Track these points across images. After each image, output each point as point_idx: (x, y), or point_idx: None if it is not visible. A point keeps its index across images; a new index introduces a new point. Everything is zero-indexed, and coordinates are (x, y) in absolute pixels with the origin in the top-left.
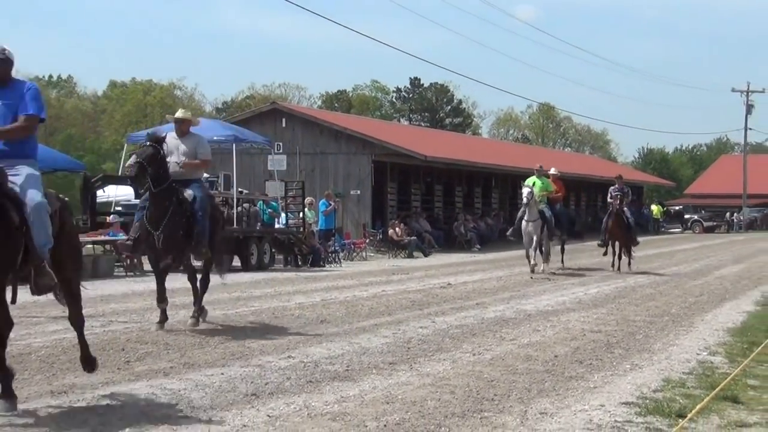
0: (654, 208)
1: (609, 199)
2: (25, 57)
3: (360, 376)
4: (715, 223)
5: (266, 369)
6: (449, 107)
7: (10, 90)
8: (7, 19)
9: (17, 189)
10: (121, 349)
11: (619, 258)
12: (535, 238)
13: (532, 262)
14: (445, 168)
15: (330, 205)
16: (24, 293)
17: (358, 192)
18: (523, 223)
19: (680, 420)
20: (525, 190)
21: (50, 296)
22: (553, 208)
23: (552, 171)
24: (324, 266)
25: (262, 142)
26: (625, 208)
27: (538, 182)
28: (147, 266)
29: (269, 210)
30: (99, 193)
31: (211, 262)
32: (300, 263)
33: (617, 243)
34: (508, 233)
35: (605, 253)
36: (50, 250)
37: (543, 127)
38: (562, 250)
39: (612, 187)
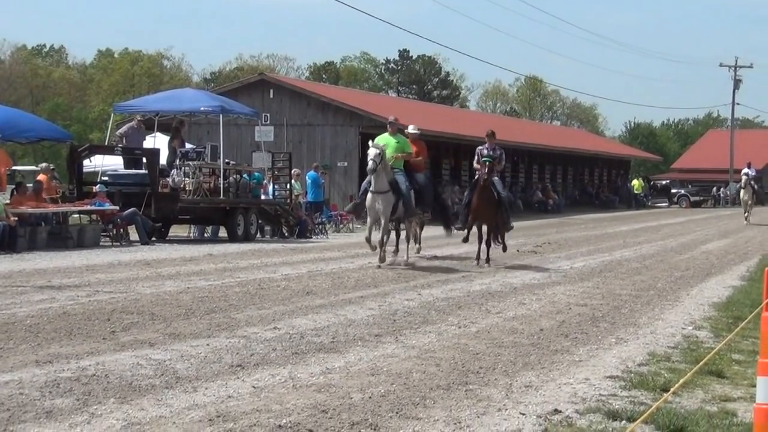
0: (635, 182)
1: (475, 164)
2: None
3: (345, 348)
4: (701, 198)
5: (252, 340)
6: (437, 80)
7: None
8: None
9: None
10: (106, 319)
11: (487, 245)
12: (383, 218)
13: (377, 248)
14: (432, 140)
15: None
16: (9, 262)
17: (345, 164)
18: (369, 195)
19: (664, 394)
20: (372, 152)
21: (36, 265)
22: (414, 177)
23: (410, 129)
24: (310, 238)
25: (249, 114)
26: (496, 179)
27: (392, 141)
28: (134, 236)
29: (253, 181)
30: (85, 162)
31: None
32: (286, 235)
33: (484, 226)
34: (346, 209)
35: (466, 239)
36: None
37: (530, 100)
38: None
39: (480, 148)
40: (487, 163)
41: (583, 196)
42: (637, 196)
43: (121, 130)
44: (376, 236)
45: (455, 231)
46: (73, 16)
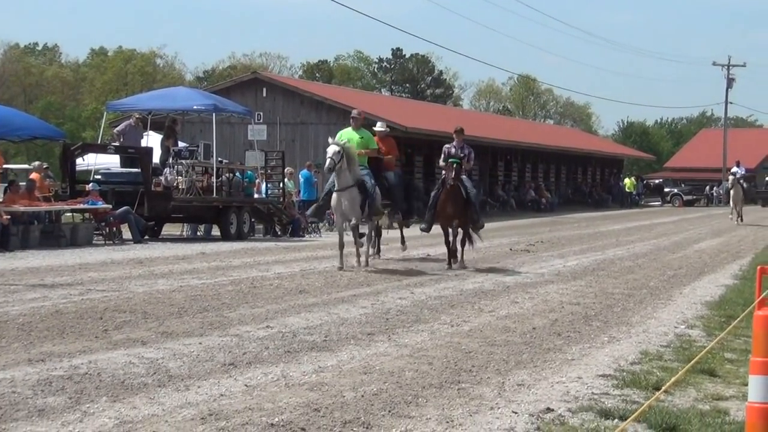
0: (627, 181)
1: (441, 163)
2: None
3: (338, 347)
4: (694, 197)
5: (244, 339)
6: (430, 78)
7: None
8: None
9: None
10: (99, 317)
11: (462, 244)
12: (353, 217)
13: (365, 255)
14: (425, 139)
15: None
16: (1, 261)
17: None
18: (333, 195)
19: (657, 393)
20: (331, 149)
21: (29, 263)
22: (385, 175)
23: (378, 126)
24: (303, 236)
25: (242, 112)
26: (464, 177)
27: (356, 136)
28: (126, 235)
29: (245, 180)
30: (78, 161)
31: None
32: (279, 233)
33: (451, 228)
34: (308, 212)
35: (447, 242)
36: None
37: (524, 99)
38: (377, 235)
39: (447, 146)
40: (455, 165)
41: (576, 195)
42: (630, 194)
43: (118, 128)
44: (344, 239)
45: (421, 232)
46: (66, 15)
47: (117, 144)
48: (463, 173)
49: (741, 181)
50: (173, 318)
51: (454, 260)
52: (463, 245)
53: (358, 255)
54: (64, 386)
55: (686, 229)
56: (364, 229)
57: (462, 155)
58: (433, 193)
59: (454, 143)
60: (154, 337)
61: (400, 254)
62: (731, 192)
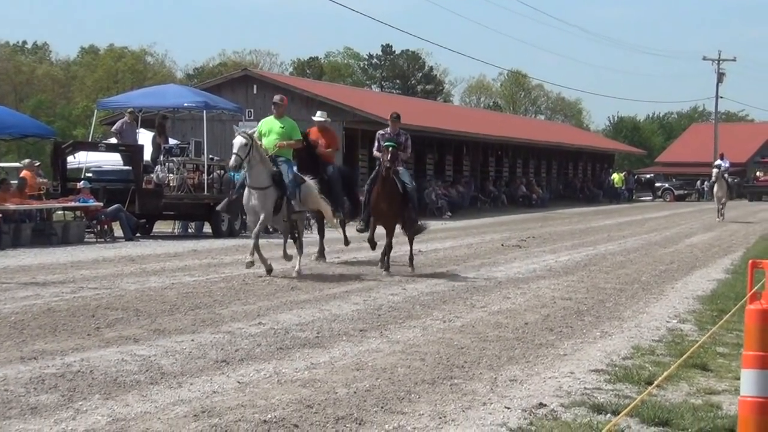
0: (615, 176)
1: (375, 152)
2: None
3: (330, 343)
4: (685, 192)
5: (236, 336)
6: (421, 74)
7: None
8: None
9: None
10: (91, 315)
11: (388, 249)
12: (262, 216)
13: (253, 256)
14: (416, 135)
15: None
16: None
17: None
18: (245, 192)
19: (649, 387)
20: (236, 142)
21: (21, 262)
22: (321, 170)
23: (317, 116)
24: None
25: (233, 109)
26: (401, 169)
27: (276, 125)
28: (118, 232)
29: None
30: (69, 159)
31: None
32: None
33: (391, 225)
34: (218, 207)
35: (372, 243)
36: None
37: (514, 95)
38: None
39: (381, 132)
40: (390, 148)
41: (567, 190)
42: (618, 189)
43: (115, 127)
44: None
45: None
46: (55, 13)
47: (107, 142)
48: (400, 164)
49: (725, 175)
50: (165, 315)
51: (383, 265)
52: (411, 245)
53: (285, 253)
54: (56, 384)
55: (677, 224)
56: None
57: (399, 142)
58: (366, 186)
59: (389, 130)
60: (146, 335)
61: (344, 256)
62: (715, 187)
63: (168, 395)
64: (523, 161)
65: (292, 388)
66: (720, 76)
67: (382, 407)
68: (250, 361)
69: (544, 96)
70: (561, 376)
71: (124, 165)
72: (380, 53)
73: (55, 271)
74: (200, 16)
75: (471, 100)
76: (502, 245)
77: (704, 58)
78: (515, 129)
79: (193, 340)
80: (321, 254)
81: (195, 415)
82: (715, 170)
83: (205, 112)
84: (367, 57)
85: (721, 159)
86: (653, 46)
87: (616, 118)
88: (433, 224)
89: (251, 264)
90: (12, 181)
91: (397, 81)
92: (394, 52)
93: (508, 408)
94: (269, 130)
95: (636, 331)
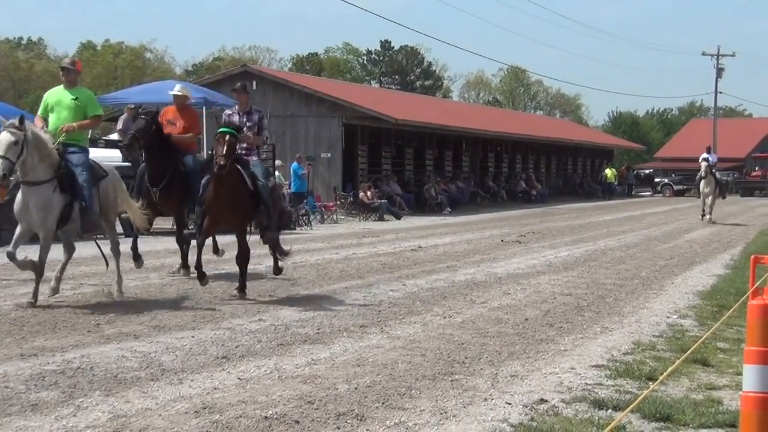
0: (608, 171)
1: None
2: None
3: (331, 339)
4: (685, 187)
5: (237, 332)
6: (419, 70)
7: None
8: None
9: None
10: (91, 311)
11: (273, 254)
12: (42, 232)
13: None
14: (415, 131)
15: (305, 168)
16: None
17: (329, 155)
18: (18, 194)
19: (650, 383)
20: (4, 138)
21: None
22: (178, 161)
23: (176, 90)
24: (294, 229)
25: (232, 105)
26: (253, 159)
27: (67, 98)
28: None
29: None
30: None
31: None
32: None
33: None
34: None
35: (197, 266)
36: None
37: (513, 90)
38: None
39: (227, 112)
40: (227, 137)
41: (566, 185)
42: (611, 185)
43: (121, 126)
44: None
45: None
46: (52, 8)
47: (107, 138)
48: (253, 154)
49: (713, 170)
50: (165, 312)
51: (204, 280)
52: (275, 255)
53: (118, 277)
54: (57, 381)
55: (677, 219)
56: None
57: (248, 124)
58: (203, 182)
59: (236, 108)
60: (146, 331)
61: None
62: (702, 183)
63: (169, 392)
64: (522, 157)
65: (293, 384)
66: (719, 72)
67: (383, 403)
68: (251, 358)
69: (544, 91)
70: (562, 372)
71: (124, 161)
72: (379, 49)
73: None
74: (199, 12)
75: (470, 96)
76: (502, 241)
77: (703, 54)
78: (514, 125)
79: (193, 337)
80: (183, 267)
81: (196, 412)
82: (703, 164)
83: (204, 108)
84: (366, 53)
85: (708, 153)
86: (652, 41)
87: (615, 113)
88: (432, 220)
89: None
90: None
91: (396, 77)
92: (393, 47)
93: (509, 404)
94: (57, 102)
95: (636, 327)
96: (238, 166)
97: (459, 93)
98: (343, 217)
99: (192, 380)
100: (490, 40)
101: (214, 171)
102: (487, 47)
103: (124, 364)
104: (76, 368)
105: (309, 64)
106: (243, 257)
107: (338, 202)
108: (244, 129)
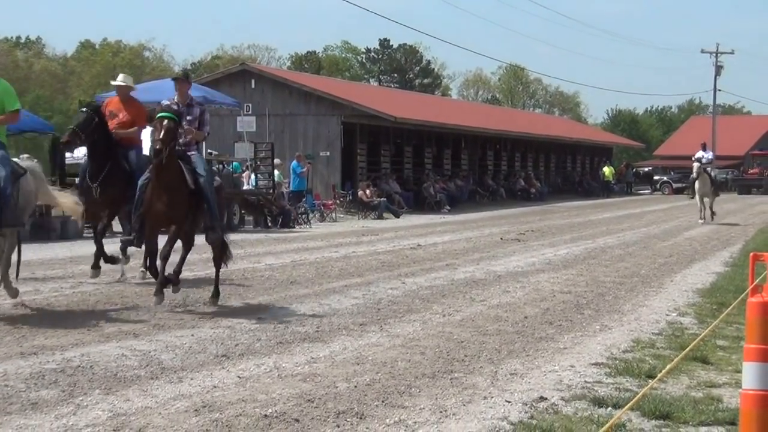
0: (606, 170)
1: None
2: None
3: (330, 337)
4: (684, 185)
5: (236, 330)
6: (418, 68)
7: None
8: None
9: None
10: (90, 310)
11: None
12: None
13: None
14: (414, 129)
15: (304, 166)
16: None
17: (328, 153)
18: None
19: (650, 380)
20: None
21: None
22: (121, 156)
23: (119, 80)
24: (294, 227)
25: (231, 104)
26: (193, 154)
27: None
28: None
29: (231, 170)
30: (67, 154)
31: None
32: (270, 224)
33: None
34: None
35: (152, 267)
36: None
37: (512, 88)
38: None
39: (165, 102)
40: (165, 122)
41: (565, 183)
42: (608, 183)
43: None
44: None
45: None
46: (49, 7)
47: None
48: (193, 148)
49: (708, 168)
50: (165, 310)
51: (167, 290)
52: (218, 264)
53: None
54: (57, 379)
55: (676, 217)
56: None
57: (188, 117)
58: (141, 180)
59: (175, 98)
60: (146, 330)
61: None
62: (696, 183)
63: (168, 390)
64: (521, 155)
65: (293, 382)
66: (718, 69)
67: (382, 401)
68: (251, 356)
69: (543, 89)
70: (561, 370)
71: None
72: (378, 47)
73: (54, 267)
74: (198, 10)
75: (469, 94)
76: (501, 239)
77: (702, 51)
78: (513, 123)
79: (193, 335)
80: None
81: (195, 410)
82: (696, 164)
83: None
84: (364, 51)
85: (704, 150)
86: (651, 39)
87: (614, 111)
88: (431, 218)
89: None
90: None
91: (395, 75)
92: (392, 46)
93: (509, 402)
94: None
95: (636, 325)
96: (180, 162)
97: (458, 91)
98: (342, 216)
99: (192, 379)
100: (489, 39)
101: (153, 163)
102: (486, 45)
103: (124, 362)
104: (76, 367)
105: (308, 62)
106: (216, 259)
107: (337, 201)
108: (184, 123)
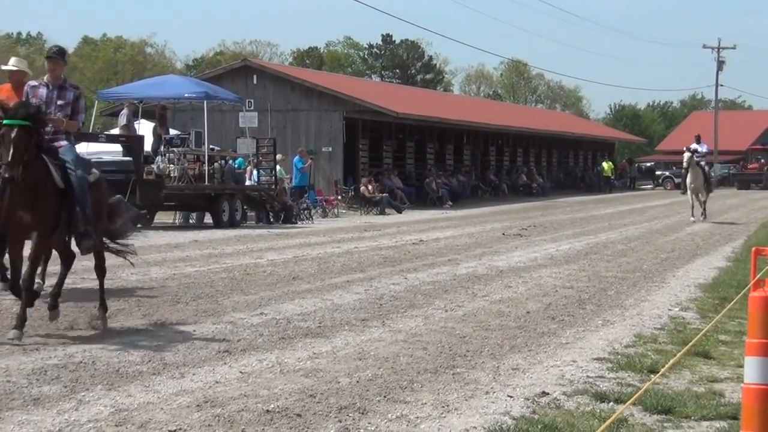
0: (605, 165)
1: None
2: None
3: (332, 333)
4: None
5: (238, 326)
6: (420, 64)
7: None
8: None
9: None
10: (93, 306)
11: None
12: None
13: None
14: (416, 125)
15: (307, 162)
16: None
17: (330, 149)
18: None
19: (652, 375)
20: None
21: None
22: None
23: (11, 63)
24: (296, 223)
25: (233, 99)
26: (63, 145)
27: None
28: None
29: (235, 166)
30: None
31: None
32: (272, 220)
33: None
34: None
35: (4, 277)
36: None
37: (514, 84)
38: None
39: (30, 83)
40: (13, 134)
41: (567, 179)
42: (608, 179)
43: (122, 122)
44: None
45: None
46: (51, 2)
47: (108, 133)
48: (61, 138)
49: (702, 162)
50: (167, 306)
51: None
52: (100, 275)
53: None
54: (59, 375)
55: (678, 212)
56: None
57: (59, 102)
58: None
59: (45, 78)
60: (148, 326)
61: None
62: (688, 176)
63: (170, 385)
64: (523, 150)
65: (295, 377)
66: (720, 64)
67: (384, 396)
68: (253, 351)
69: (545, 85)
70: (563, 365)
71: (125, 156)
72: (380, 43)
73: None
74: (200, 6)
75: (471, 90)
76: (503, 234)
77: (704, 46)
78: (515, 118)
79: (195, 331)
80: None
81: (198, 405)
82: (686, 155)
83: (205, 102)
84: (367, 47)
85: (698, 142)
86: (653, 34)
87: (616, 106)
88: (433, 213)
89: None
90: None
91: (397, 70)
92: (394, 41)
93: (511, 397)
94: None
95: (638, 320)
96: (44, 156)
97: (460, 87)
98: (344, 211)
99: (194, 374)
100: (491, 34)
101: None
102: (488, 41)
103: (126, 358)
104: (78, 362)
105: (310, 58)
106: (99, 270)
107: (339, 196)
108: (53, 109)
